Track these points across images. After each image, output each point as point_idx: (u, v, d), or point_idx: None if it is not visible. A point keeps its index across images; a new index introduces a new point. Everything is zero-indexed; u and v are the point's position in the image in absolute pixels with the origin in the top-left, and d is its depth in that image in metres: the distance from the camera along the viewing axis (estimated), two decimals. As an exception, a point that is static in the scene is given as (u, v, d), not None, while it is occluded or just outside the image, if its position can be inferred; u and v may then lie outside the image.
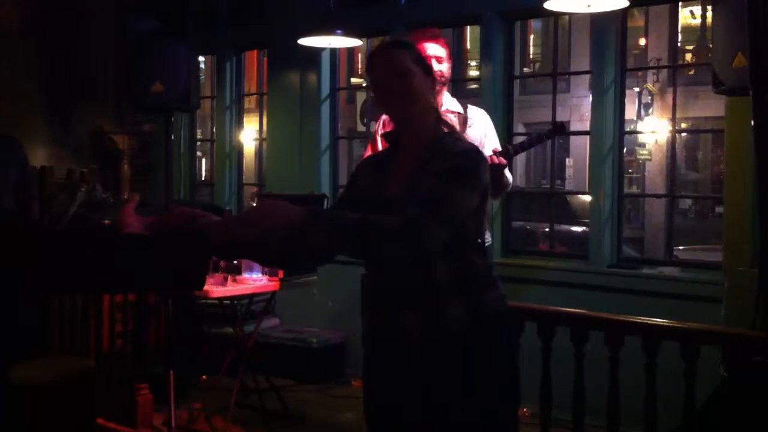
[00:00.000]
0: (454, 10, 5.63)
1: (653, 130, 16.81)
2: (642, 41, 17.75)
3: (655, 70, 16.92)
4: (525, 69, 19.54)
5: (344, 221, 2.04)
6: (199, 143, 8.24)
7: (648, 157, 17.97)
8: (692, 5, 17.47)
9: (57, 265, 1.67)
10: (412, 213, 2.11)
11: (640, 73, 16.44)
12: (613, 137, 5.03)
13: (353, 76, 17.08)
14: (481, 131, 3.84)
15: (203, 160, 11.90)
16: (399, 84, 2.28)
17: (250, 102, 9.01)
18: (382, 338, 2.34)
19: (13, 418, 1.80)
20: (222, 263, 4.59)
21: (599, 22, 5.04)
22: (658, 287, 4.67)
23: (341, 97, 7.17)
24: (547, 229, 7.54)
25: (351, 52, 16.31)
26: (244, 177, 7.25)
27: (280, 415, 4.92)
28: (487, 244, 3.80)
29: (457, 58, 15.22)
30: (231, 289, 4.59)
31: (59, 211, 5.21)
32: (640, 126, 16.34)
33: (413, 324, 2.24)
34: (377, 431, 2.43)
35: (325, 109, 6.37)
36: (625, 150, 5.43)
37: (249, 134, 8.21)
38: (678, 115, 7.70)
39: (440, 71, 3.70)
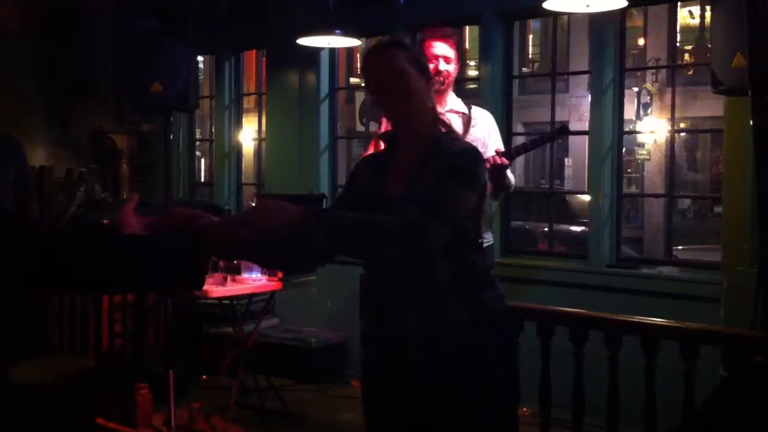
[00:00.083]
0: (453, 10, 5.62)
1: (652, 130, 16.81)
2: (641, 41, 17.74)
3: (653, 70, 16.93)
4: (524, 69, 19.53)
5: (343, 221, 2.04)
6: (198, 143, 8.23)
7: (647, 157, 17.98)
8: (691, 5, 17.44)
9: (56, 265, 1.67)
10: (411, 213, 2.10)
11: (639, 73, 16.44)
12: (612, 137, 5.03)
13: (352, 76, 17.07)
14: (485, 132, 3.84)
15: (202, 160, 11.91)
16: (395, 84, 2.27)
17: (249, 102, 9.00)
18: (382, 338, 2.34)
19: (13, 418, 1.80)
20: (221, 263, 4.59)
21: (598, 22, 5.04)
22: (657, 287, 4.66)
23: (340, 96, 7.16)
24: (546, 229, 7.53)
25: (350, 51, 16.31)
26: (243, 177, 7.23)
27: (280, 414, 4.92)
28: (488, 245, 3.81)
29: (457, 58, 15.17)
30: (230, 289, 4.59)
31: (58, 211, 5.22)
32: (639, 126, 16.36)
33: (412, 324, 2.23)
34: (376, 431, 2.42)
35: (324, 108, 6.36)
36: (624, 150, 5.43)
37: (248, 134, 8.20)
38: (677, 115, 7.70)
39: (447, 71, 3.70)
